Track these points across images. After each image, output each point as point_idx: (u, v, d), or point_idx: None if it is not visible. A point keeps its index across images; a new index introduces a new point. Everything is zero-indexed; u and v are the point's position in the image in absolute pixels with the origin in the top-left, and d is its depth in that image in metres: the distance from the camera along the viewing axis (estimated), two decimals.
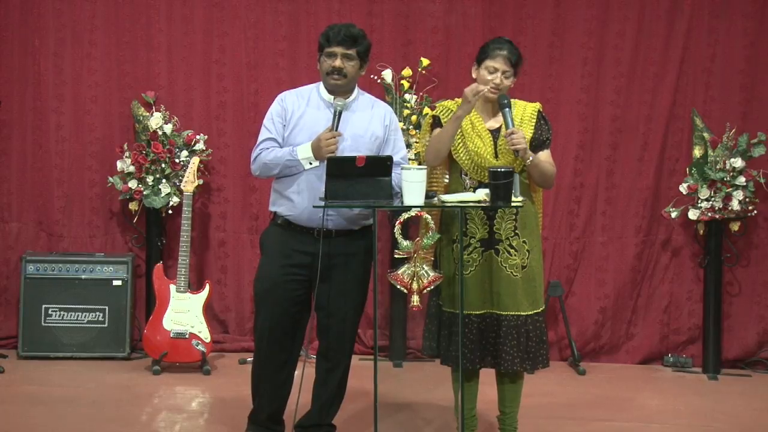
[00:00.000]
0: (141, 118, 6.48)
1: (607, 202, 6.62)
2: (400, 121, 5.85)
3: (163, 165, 6.44)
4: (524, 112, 4.54)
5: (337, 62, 4.41)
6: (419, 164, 4.77)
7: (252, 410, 4.70)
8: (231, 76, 6.65)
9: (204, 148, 6.49)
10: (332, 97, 4.47)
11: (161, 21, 6.61)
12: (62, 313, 6.33)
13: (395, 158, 4.41)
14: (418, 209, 4.17)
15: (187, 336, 6.07)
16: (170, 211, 6.50)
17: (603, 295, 6.62)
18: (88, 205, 6.67)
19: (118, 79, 6.63)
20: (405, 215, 4.19)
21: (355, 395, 5.04)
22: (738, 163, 6.26)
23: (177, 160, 6.44)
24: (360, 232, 4.52)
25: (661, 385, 6.20)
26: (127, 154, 6.47)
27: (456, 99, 4.62)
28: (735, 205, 6.26)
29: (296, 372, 4.62)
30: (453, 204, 4.28)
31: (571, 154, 6.57)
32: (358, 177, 4.18)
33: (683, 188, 6.39)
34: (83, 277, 6.35)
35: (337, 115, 4.38)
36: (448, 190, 4.58)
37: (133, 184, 6.43)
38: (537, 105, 4.59)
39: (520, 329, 4.46)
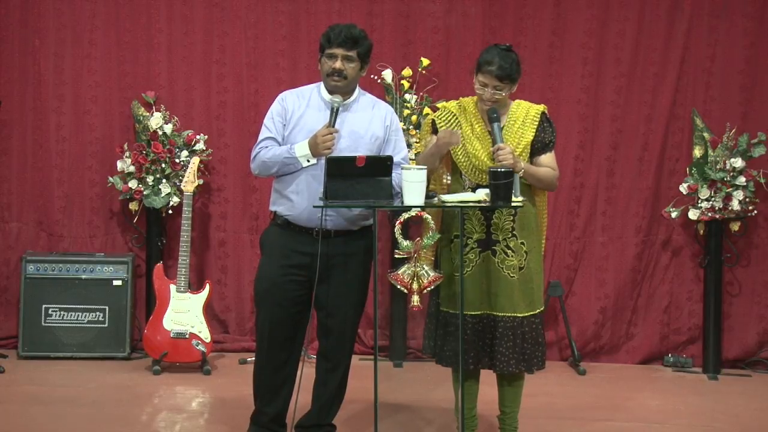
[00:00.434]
0: (141, 118, 6.48)
1: (607, 202, 6.62)
2: (400, 121, 5.84)
3: (163, 165, 6.44)
4: (527, 114, 4.53)
5: (338, 64, 4.41)
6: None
7: (254, 411, 4.70)
8: (231, 76, 6.65)
9: (204, 148, 6.49)
10: (341, 100, 4.47)
11: (161, 21, 6.61)
12: (62, 313, 6.33)
13: (396, 158, 4.42)
14: (418, 209, 4.17)
15: (187, 336, 6.07)
16: (170, 211, 6.50)
17: (603, 295, 6.62)
18: (89, 205, 6.67)
19: (118, 79, 6.63)
20: (405, 215, 4.19)
21: (355, 395, 5.04)
22: (738, 163, 6.26)
23: (177, 160, 6.44)
24: (359, 232, 4.52)
25: (661, 385, 6.20)
26: (127, 154, 6.47)
27: (459, 99, 4.63)
28: (735, 205, 6.26)
29: (298, 372, 4.62)
30: (453, 204, 4.28)
31: (571, 154, 6.57)
32: (358, 177, 4.18)
33: (683, 188, 6.39)
34: (83, 277, 6.35)
35: (334, 112, 4.39)
36: (449, 190, 4.59)
37: (133, 184, 6.43)
38: (541, 107, 4.58)
39: (516, 331, 4.46)
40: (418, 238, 4.23)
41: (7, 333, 6.56)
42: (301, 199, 4.44)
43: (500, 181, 4.12)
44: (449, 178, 4.64)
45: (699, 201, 6.34)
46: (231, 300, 6.72)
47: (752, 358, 6.55)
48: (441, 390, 5.31)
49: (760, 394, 6.05)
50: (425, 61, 6.43)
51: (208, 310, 6.30)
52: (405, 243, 4.19)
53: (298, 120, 4.50)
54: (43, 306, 6.32)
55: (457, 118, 4.57)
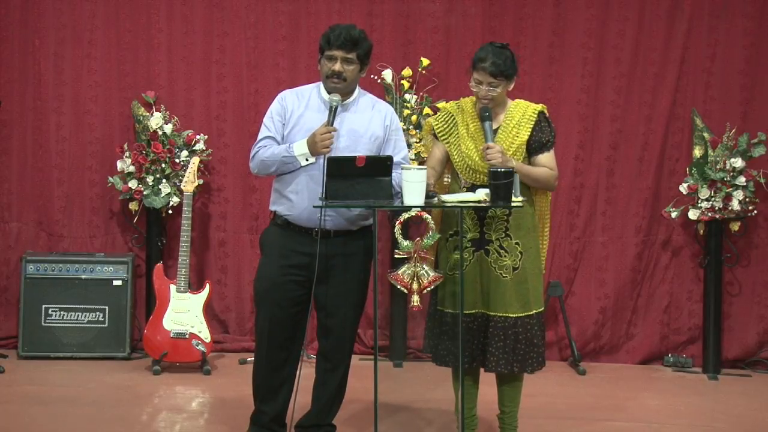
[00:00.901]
0: (141, 118, 6.48)
1: (607, 202, 6.62)
2: (400, 121, 5.84)
3: (163, 165, 6.44)
4: (523, 114, 4.53)
5: (337, 66, 4.41)
6: (419, 164, 4.77)
7: (254, 411, 4.70)
8: (231, 76, 6.65)
9: (204, 148, 6.49)
10: (339, 99, 4.46)
11: (161, 21, 6.61)
12: (62, 313, 6.33)
13: (396, 158, 4.42)
14: (418, 209, 4.17)
15: (187, 336, 6.07)
16: (170, 211, 6.50)
17: (603, 295, 6.62)
18: (89, 205, 6.67)
19: (118, 79, 6.63)
20: (405, 215, 4.19)
21: (355, 395, 5.04)
22: (738, 163, 6.26)
23: (177, 160, 6.44)
24: (359, 232, 4.52)
25: (661, 385, 6.20)
26: (127, 154, 6.47)
27: (460, 99, 4.63)
28: (735, 205, 6.26)
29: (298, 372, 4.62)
30: (453, 204, 4.28)
31: (571, 154, 6.57)
32: (358, 177, 4.18)
33: (683, 188, 6.39)
34: (83, 277, 6.35)
35: (333, 111, 4.38)
36: (449, 190, 4.59)
37: (133, 184, 6.43)
38: (539, 107, 4.58)
39: (507, 331, 4.46)
40: (418, 238, 4.23)
41: (7, 333, 6.56)
42: (300, 199, 4.44)
43: (500, 181, 4.12)
44: (449, 178, 4.65)
45: (699, 201, 6.33)
46: (231, 300, 6.72)
47: (752, 358, 6.55)
48: (441, 390, 5.31)
49: (760, 394, 6.05)
50: (425, 61, 6.43)
51: (208, 310, 6.30)
52: (405, 243, 4.20)
53: (298, 120, 4.50)
54: (43, 306, 6.32)
55: (454, 119, 4.58)
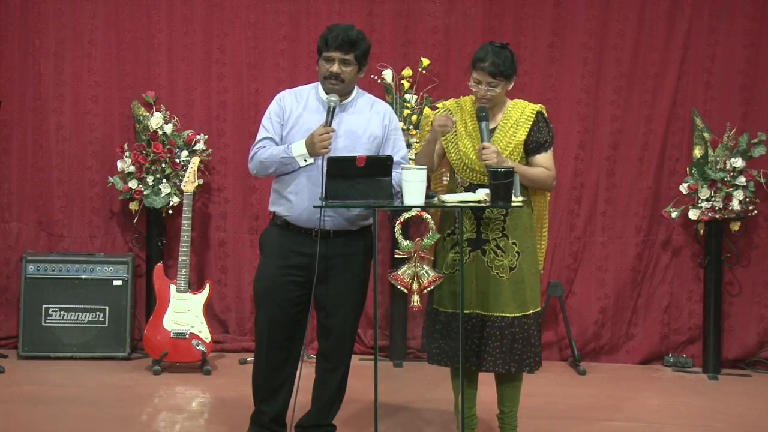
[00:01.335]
0: (141, 118, 6.49)
1: (607, 202, 6.62)
2: (400, 121, 5.84)
3: (163, 165, 6.44)
4: (521, 114, 4.53)
5: (335, 67, 4.41)
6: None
7: (254, 411, 4.70)
8: (231, 76, 6.65)
9: (204, 148, 6.49)
10: (337, 99, 4.46)
11: (161, 21, 6.61)
12: (62, 313, 6.33)
13: (396, 158, 4.41)
14: (418, 209, 4.17)
15: (187, 336, 6.07)
16: (170, 211, 6.50)
17: (603, 295, 6.62)
18: (89, 205, 6.67)
19: (118, 79, 6.63)
20: (405, 215, 4.19)
21: (355, 395, 5.04)
22: (738, 163, 6.26)
23: (177, 160, 6.44)
24: (358, 232, 4.52)
25: (661, 385, 6.20)
26: (127, 154, 6.47)
27: (460, 97, 4.63)
28: (735, 205, 6.26)
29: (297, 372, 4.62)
30: (453, 204, 4.28)
31: (571, 154, 6.57)
32: (358, 177, 4.18)
33: (683, 188, 6.39)
34: (83, 277, 6.35)
35: (331, 111, 4.38)
36: (448, 190, 4.59)
37: (133, 184, 6.43)
38: (538, 107, 4.57)
39: (504, 330, 4.45)
40: (418, 238, 4.23)
41: (7, 333, 6.56)
42: (300, 200, 4.44)
43: (500, 181, 4.12)
44: (448, 177, 4.65)
45: (699, 201, 6.33)
46: (231, 300, 6.72)
47: (752, 358, 6.55)
48: (441, 390, 5.31)
49: (760, 394, 6.05)
50: (425, 61, 6.43)
51: (208, 310, 6.30)
52: (405, 243, 4.20)
53: (296, 120, 4.49)
54: (43, 306, 6.32)
55: (453, 116, 4.57)
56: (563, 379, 6.24)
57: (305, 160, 4.39)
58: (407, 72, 6.39)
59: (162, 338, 6.06)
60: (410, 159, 5.88)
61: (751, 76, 6.51)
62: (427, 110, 6.24)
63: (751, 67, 6.51)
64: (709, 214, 6.32)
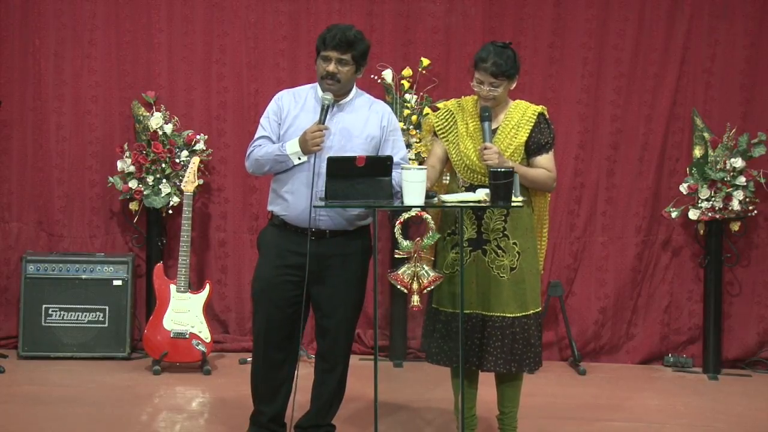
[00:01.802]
0: (141, 118, 6.49)
1: (607, 202, 6.62)
2: (400, 121, 5.85)
3: (163, 165, 6.44)
4: (523, 115, 4.53)
5: (331, 67, 4.41)
6: (419, 164, 4.77)
7: (253, 411, 4.70)
8: (231, 76, 6.65)
9: (204, 148, 6.50)
10: (332, 98, 4.46)
11: (161, 21, 6.61)
12: (62, 313, 6.33)
13: (396, 159, 4.40)
14: (418, 209, 4.17)
15: (187, 336, 6.07)
16: (170, 211, 6.50)
17: (603, 295, 6.62)
18: (89, 205, 6.67)
19: (118, 78, 6.63)
20: (405, 215, 4.19)
21: (355, 395, 5.04)
22: (738, 163, 6.26)
23: (177, 160, 6.44)
24: (356, 232, 4.51)
25: (661, 385, 6.20)
26: (127, 154, 6.47)
27: (461, 97, 4.63)
28: (735, 205, 6.26)
29: (295, 372, 4.62)
30: (453, 204, 4.28)
31: (571, 154, 6.57)
32: (358, 177, 4.18)
33: (683, 188, 6.39)
34: (83, 277, 6.35)
35: (325, 110, 4.38)
36: (449, 190, 4.59)
37: (133, 184, 6.43)
38: (539, 108, 4.57)
39: (504, 330, 4.46)
40: (418, 238, 4.23)
41: (7, 333, 6.56)
42: (296, 199, 4.44)
43: (500, 181, 4.12)
44: (448, 178, 4.64)
45: (699, 201, 6.33)
46: (231, 300, 6.72)
47: (752, 358, 6.55)
48: (441, 390, 5.31)
49: (760, 394, 6.05)
50: (425, 61, 6.43)
51: (208, 310, 6.30)
52: (405, 243, 4.20)
53: (293, 120, 4.50)
54: (43, 306, 6.32)
55: (454, 117, 4.58)
56: (563, 379, 6.24)
57: (299, 159, 4.39)
58: (407, 72, 6.39)
59: (162, 338, 6.06)
60: (410, 159, 5.89)
61: (751, 76, 6.51)
62: (427, 110, 6.28)
63: (751, 67, 6.51)
64: (709, 214, 6.32)
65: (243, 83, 6.65)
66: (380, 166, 4.21)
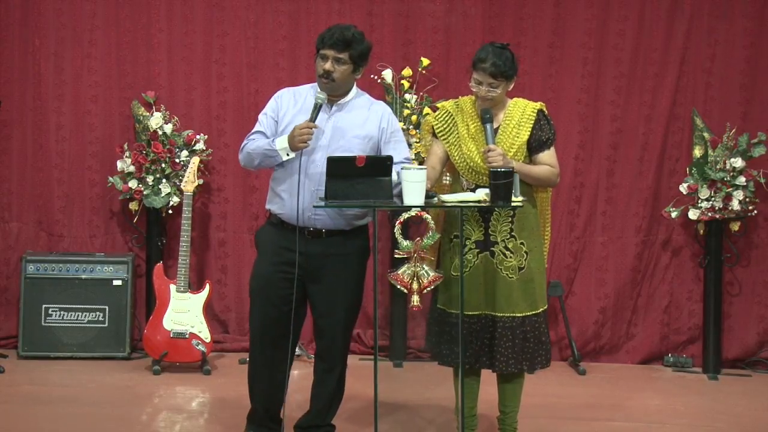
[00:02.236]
0: (141, 118, 6.49)
1: (607, 202, 6.62)
2: (400, 121, 5.84)
3: (163, 165, 6.44)
4: (523, 113, 4.53)
5: (327, 65, 4.41)
6: (419, 164, 4.77)
7: (250, 409, 4.71)
8: (231, 76, 6.65)
9: (204, 148, 6.50)
10: (325, 96, 4.46)
11: (161, 21, 6.61)
12: (62, 313, 6.33)
13: (398, 159, 4.40)
14: (418, 209, 4.17)
15: (187, 336, 6.07)
16: (170, 211, 6.50)
17: (603, 295, 6.62)
18: (89, 205, 6.67)
19: (118, 78, 6.63)
20: (405, 215, 4.19)
21: (355, 395, 5.04)
22: (738, 163, 6.26)
23: (177, 160, 6.44)
24: (353, 232, 4.51)
25: (661, 385, 6.20)
26: (127, 154, 6.47)
27: (458, 98, 4.63)
28: (735, 205, 6.26)
29: (294, 371, 4.62)
30: (453, 204, 4.28)
31: (571, 154, 6.57)
32: (358, 177, 4.18)
33: (683, 188, 6.39)
34: (83, 277, 6.35)
35: (316, 108, 4.38)
36: (449, 190, 4.59)
37: (133, 183, 6.43)
38: (538, 105, 4.58)
39: (515, 330, 4.46)
40: (418, 238, 4.23)
41: (7, 333, 6.56)
42: (292, 198, 4.44)
43: (500, 181, 4.12)
44: (449, 178, 4.64)
45: (699, 201, 6.33)
46: (231, 300, 6.72)
47: (752, 358, 6.55)
48: (441, 390, 5.31)
49: (760, 394, 6.05)
50: (425, 61, 6.43)
51: (208, 310, 6.30)
52: (405, 243, 4.20)
53: (291, 119, 4.50)
54: (43, 306, 6.32)
55: (453, 119, 4.58)
56: (563, 379, 6.24)
57: (287, 154, 4.40)
58: (407, 72, 6.39)
59: (162, 338, 6.06)
60: (411, 160, 5.89)
61: (751, 76, 6.51)
62: (427, 110, 6.28)
63: (751, 67, 6.51)
64: (709, 214, 6.32)
65: (243, 83, 6.65)
66: (380, 166, 4.20)
